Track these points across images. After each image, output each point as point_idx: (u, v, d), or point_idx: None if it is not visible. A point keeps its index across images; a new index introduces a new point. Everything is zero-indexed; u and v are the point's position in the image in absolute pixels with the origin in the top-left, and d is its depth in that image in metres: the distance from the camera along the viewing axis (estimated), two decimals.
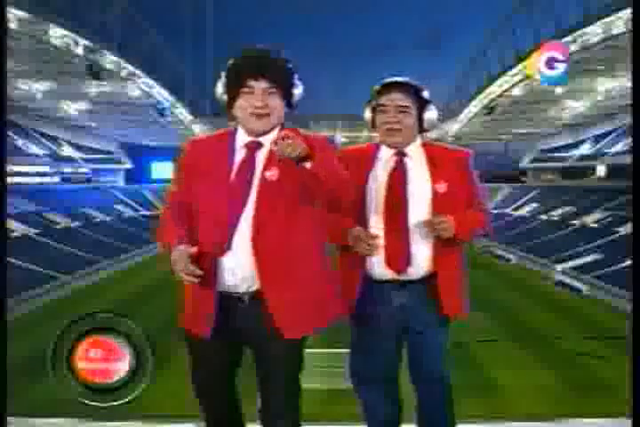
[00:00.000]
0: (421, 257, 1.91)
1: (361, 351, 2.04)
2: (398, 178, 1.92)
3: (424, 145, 1.99)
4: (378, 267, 1.92)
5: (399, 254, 1.90)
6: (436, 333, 1.99)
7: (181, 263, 1.59)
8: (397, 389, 2.09)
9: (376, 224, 1.91)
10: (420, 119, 1.94)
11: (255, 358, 1.82)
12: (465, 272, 2.02)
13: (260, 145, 1.72)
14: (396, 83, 1.94)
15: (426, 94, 1.94)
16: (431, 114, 1.95)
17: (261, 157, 1.71)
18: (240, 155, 1.72)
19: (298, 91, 1.75)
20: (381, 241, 1.89)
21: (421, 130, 1.97)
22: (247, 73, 1.65)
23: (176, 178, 1.80)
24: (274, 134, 1.69)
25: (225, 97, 1.70)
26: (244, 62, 1.68)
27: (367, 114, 1.99)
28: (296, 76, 1.75)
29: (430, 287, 1.93)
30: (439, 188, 1.91)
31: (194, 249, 1.61)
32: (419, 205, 1.90)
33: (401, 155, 1.95)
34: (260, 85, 1.66)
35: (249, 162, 1.70)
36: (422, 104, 1.93)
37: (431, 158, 1.96)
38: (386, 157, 1.97)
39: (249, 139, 1.73)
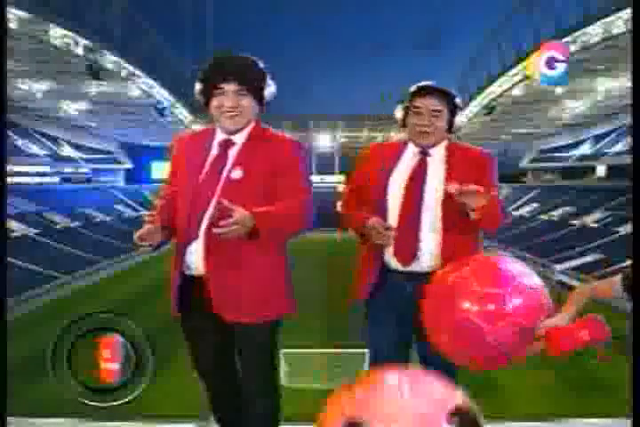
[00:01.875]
0: (428, 252, 2.02)
1: (372, 338, 2.13)
2: (417, 176, 2.04)
3: (449, 146, 2.09)
4: (389, 257, 2.06)
5: (406, 248, 2.02)
6: None
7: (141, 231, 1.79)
8: None
9: (392, 218, 2.03)
10: (450, 123, 2.06)
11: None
12: None
13: (232, 143, 1.89)
14: (433, 87, 2.04)
15: (458, 101, 2.07)
16: (459, 119, 2.11)
17: (232, 154, 1.88)
18: (214, 152, 1.90)
19: (269, 91, 1.91)
20: (393, 234, 2.00)
21: (450, 131, 2.09)
22: (218, 76, 1.82)
23: (168, 172, 2.00)
24: (247, 131, 1.91)
25: (202, 98, 1.88)
26: (216, 66, 1.85)
27: (399, 113, 2.10)
28: (267, 77, 1.90)
29: None
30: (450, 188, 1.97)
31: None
32: (431, 204, 2.00)
33: (424, 154, 2.08)
34: (229, 87, 1.82)
35: (220, 159, 1.88)
36: (453, 109, 2.06)
37: (450, 159, 2.06)
38: (411, 155, 2.09)
39: (223, 137, 1.90)
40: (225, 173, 1.86)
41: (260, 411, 2.01)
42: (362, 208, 2.06)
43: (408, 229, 2.01)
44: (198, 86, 1.88)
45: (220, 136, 1.93)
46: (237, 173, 1.85)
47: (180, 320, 1.99)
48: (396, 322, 2.07)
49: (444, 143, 2.09)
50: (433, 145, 2.06)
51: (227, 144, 1.91)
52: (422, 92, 2.03)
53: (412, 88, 2.06)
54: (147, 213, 1.85)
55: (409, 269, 2.04)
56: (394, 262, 2.05)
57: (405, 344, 2.10)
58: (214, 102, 1.86)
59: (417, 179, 2.04)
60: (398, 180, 2.05)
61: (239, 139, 1.91)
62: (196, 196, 1.85)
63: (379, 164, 2.09)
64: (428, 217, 2.01)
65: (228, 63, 1.86)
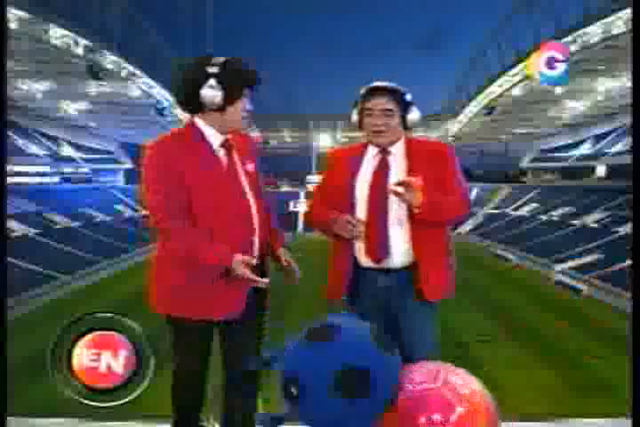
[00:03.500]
0: (398, 249, 2.08)
1: None
2: (380, 175, 2.10)
3: (408, 142, 2.15)
4: (361, 255, 2.11)
5: (377, 246, 2.08)
6: (415, 317, 2.11)
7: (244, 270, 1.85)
8: None
9: (361, 216, 2.08)
10: (404, 119, 2.11)
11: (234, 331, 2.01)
12: (449, 259, 2.17)
13: (229, 142, 1.99)
14: (380, 87, 2.09)
15: (408, 97, 2.11)
16: (413, 115, 2.12)
17: (234, 152, 2.00)
18: (221, 152, 1.97)
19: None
20: (363, 232, 2.05)
21: (405, 128, 2.14)
22: (251, 84, 1.94)
23: (159, 182, 1.89)
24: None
25: (218, 101, 1.89)
26: (249, 74, 1.94)
27: (354, 116, 2.16)
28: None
29: (411, 274, 2.09)
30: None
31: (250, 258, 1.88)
32: (397, 200, 2.03)
33: (384, 153, 2.13)
34: (247, 93, 1.96)
35: (232, 158, 1.99)
36: (405, 106, 2.10)
37: (410, 154, 2.11)
38: (371, 155, 2.14)
39: (222, 138, 1.96)
40: (241, 168, 2.02)
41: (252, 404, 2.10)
42: (330, 210, 2.09)
43: (377, 227, 2.07)
44: (216, 89, 1.90)
45: (217, 136, 2.00)
46: (252, 166, 2.05)
47: (189, 322, 1.95)
48: (376, 319, 2.05)
49: (403, 140, 2.14)
50: (391, 143, 2.12)
51: (229, 145, 2.02)
52: (372, 93, 2.08)
53: (362, 90, 2.11)
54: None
55: (382, 265, 2.09)
56: (366, 260, 2.10)
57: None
58: (239, 106, 1.96)
59: (380, 177, 2.09)
60: (363, 180, 2.10)
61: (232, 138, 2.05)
62: (234, 193, 1.98)
63: (342, 167, 2.15)
64: (395, 214, 2.06)
65: (255, 71, 1.98)
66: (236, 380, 2.06)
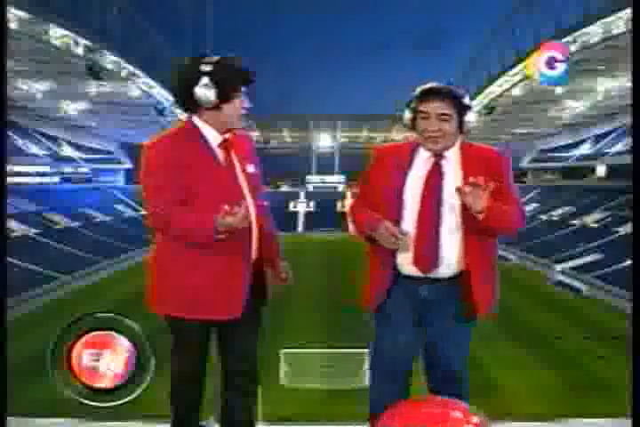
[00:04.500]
0: (449, 259, 1.95)
1: (381, 342, 2.07)
2: (434, 180, 1.96)
3: (462, 146, 2.01)
4: (406, 265, 1.97)
5: (427, 256, 1.94)
6: (455, 331, 2.01)
7: None
8: (409, 386, 2.08)
9: (409, 224, 1.95)
10: (461, 123, 1.96)
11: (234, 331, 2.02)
12: (496, 272, 2.04)
13: (230, 143, 1.99)
14: (438, 89, 1.94)
15: (466, 100, 1.96)
16: (469, 117, 1.97)
17: (233, 153, 2.00)
18: (219, 152, 1.96)
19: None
20: (412, 241, 1.93)
21: (461, 132, 2.00)
22: (246, 83, 1.95)
23: (157, 176, 1.91)
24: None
25: (212, 99, 1.89)
26: (244, 74, 1.94)
27: (407, 116, 1.99)
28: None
29: (458, 285, 1.96)
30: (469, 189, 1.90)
31: None
32: (451, 208, 1.92)
33: (438, 157, 1.98)
34: (244, 91, 1.96)
35: (230, 159, 1.98)
36: (462, 109, 1.95)
37: (465, 160, 1.98)
38: (424, 158, 1.99)
39: (220, 137, 1.96)
40: (239, 169, 2.04)
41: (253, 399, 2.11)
42: (373, 213, 1.96)
43: (429, 234, 1.93)
44: (210, 87, 1.91)
45: (215, 136, 2.00)
46: (253, 168, 2.07)
47: (188, 322, 1.96)
48: (409, 325, 2.02)
49: (458, 144, 2.01)
50: (445, 148, 1.98)
51: (228, 145, 2.03)
52: (428, 94, 1.94)
53: (417, 91, 1.96)
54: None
55: (428, 275, 1.97)
56: (411, 269, 1.97)
57: (414, 348, 2.05)
58: (236, 103, 1.96)
59: (434, 182, 1.95)
60: (414, 184, 1.96)
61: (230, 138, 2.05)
62: (233, 193, 1.99)
63: (390, 167, 2.00)
64: (448, 222, 1.93)
65: (251, 71, 1.99)
66: (236, 380, 2.06)
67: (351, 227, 2.09)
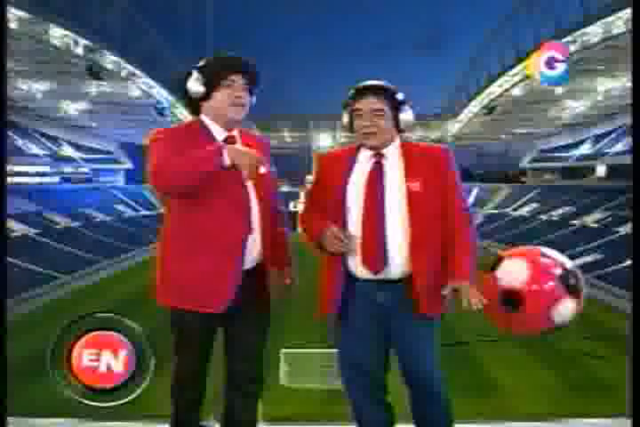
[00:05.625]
0: (398, 257, 1.94)
1: (346, 350, 2.05)
2: (375, 179, 1.97)
3: (403, 145, 2.02)
4: (356, 267, 1.97)
5: (375, 255, 1.94)
6: (418, 333, 1.99)
7: None
8: (384, 390, 2.07)
9: (354, 225, 1.95)
10: (397, 120, 1.98)
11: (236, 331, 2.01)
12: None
13: (234, 139, 1.97)
14: (369, 86, 1.97)
15: (400, 96, 1.98)
16: (406, 115, 1.98)
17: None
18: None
19: (256, 91, 2.02)
20: (358, 241, 1.94)
21: (399, 130, 2.00)
22: (232, 69, 1.91)
23: (165, 150, 1.91)
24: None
25: (201, 89, 1.90)
26: (229, 60, 1.94)
27: (345, 118, 2.03)
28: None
29: (410, 287, 1.95)
30: (413, 186, 1.93)
31: None
32: (395, 205, 1.93)
33: (378, 156, 1.99)
34: (239, 81, 1.92)
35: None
36: (397, 105, 1.97)
37: (407, 158, 1.98)
38: (364, 158, 2.01)
39: (225, 133, 1.96)
40: None
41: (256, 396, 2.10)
42: (320, 220, 1.97)
43: (374, 234, 1.93)
44: (197, 79, 1.94)
45: (219, 132, 2.00)
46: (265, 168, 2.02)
47: (188, 319, 1.95)
48: (371, 336, 2.00)
49: (397, 142, 2.02)
50: (384, 146, 1.98)
51: (233, 141, 2.01)
52: (360, 92, 1.97)
53: (351, 90, 2.00)
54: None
55: (379, 276, 1.95)
56: (362, 271, 1.96)
57: (380, 357, 2.04)
58: (221, 93, 1.94)
59: (375, 181, 1.96)
60: (356, 185, 1.97)
61: (237, 134, 2.03)
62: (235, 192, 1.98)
63: (333, 170, 2.02)
64: (393, 219, 1.93)
65: (242, 59, 1.97)
66: (236, 380, 2.05)
67: (302, 235, 2.06)
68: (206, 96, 1.93)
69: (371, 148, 2.00)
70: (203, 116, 1.98)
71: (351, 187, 1.97)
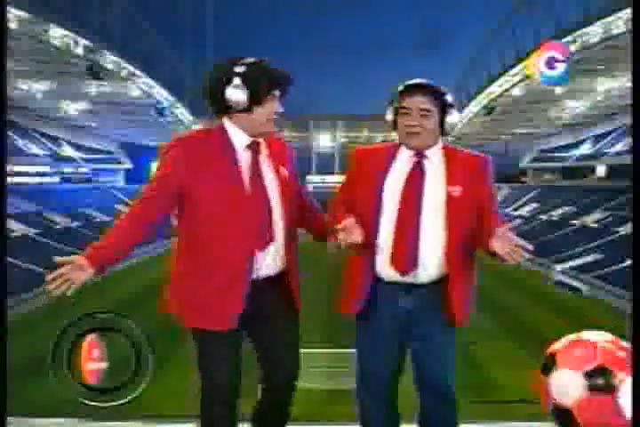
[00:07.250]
0: (429, 260, 1.89)
1: (364, 351, 2.03)
2: (415, 179, 1.91)
3: (444, 148, 1.97)
4: (383, 267, 1.91)
5: (404, 254, 1.88)
6: (443, 340, 1.96)
7: None
8: (395, 394, 2.06)
9: (388, 224, 1.90)
10: (442, 122, 1.92)
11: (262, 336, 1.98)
12: (474, 276, 2.01)
13: (259, 146, 1.92)
14: (419, 85, 1.91)
15: (449, 98, 1.92)
16: (453, 118, 1.93)
17: (262, 155, 1.92)
18: (244, 155, 1.89)
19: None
20: (390, 239, 1.89)
21: (442, 133, 1.95)
22: (280, 85, 1.87)
23: (158, 170, 1.90)
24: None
25: (244, 101, 1.82)
26: (276, 73, 1.86)
27: (389, 115, 1.96)
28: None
29: (438, 293, 1.91)
30: (453, 191, 1.88)
31: None
32: (432, 208, 1.88)
33: (420, 156, 1.93)
34: (277, 94, 1.88)
35: (257, 161, 1.91)
36: (444, 107, 1.91)
37: (449, 162, 1.93)
38: (405, 157, 1.95)
39: (248, 140, 1.89)
40: (266, 173, 1.97)
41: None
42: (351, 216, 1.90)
43: (407, 233, 1.87)
44: (242, 89, 1.84)
45: (242, 138, 1.93)
46: (285, 171, 2.02)
47: (205, 337, 1.91)
48: (391, 339, 1.97)
49: (440, 144, 1.97)
50: (427, 147, 1.93)
51: (257, 147, 1.96)
52: (410, 90, 1.90)
53: (400, 87, 1.92)
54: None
55: (407, 279, 1.90)
56: (389, 272, 1.91)
57: (395, 360, 2.01)
58: (267, 106, 1.89)
59: (414, 182, 1.90)
60: (394, 184, 1.91)
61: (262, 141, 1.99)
62: (253, 199, 1.92)
63: (370, 167, 1.95)
64: (429, 222, 1.88)
65: (285, 72, 1.92)
66: (273, 381, 2.02)
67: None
68: (247, 108, 1.84)
69: (412, 148, 1.93)
70: (226, 122, 1.90)
71: (389, 185, 1.92)
